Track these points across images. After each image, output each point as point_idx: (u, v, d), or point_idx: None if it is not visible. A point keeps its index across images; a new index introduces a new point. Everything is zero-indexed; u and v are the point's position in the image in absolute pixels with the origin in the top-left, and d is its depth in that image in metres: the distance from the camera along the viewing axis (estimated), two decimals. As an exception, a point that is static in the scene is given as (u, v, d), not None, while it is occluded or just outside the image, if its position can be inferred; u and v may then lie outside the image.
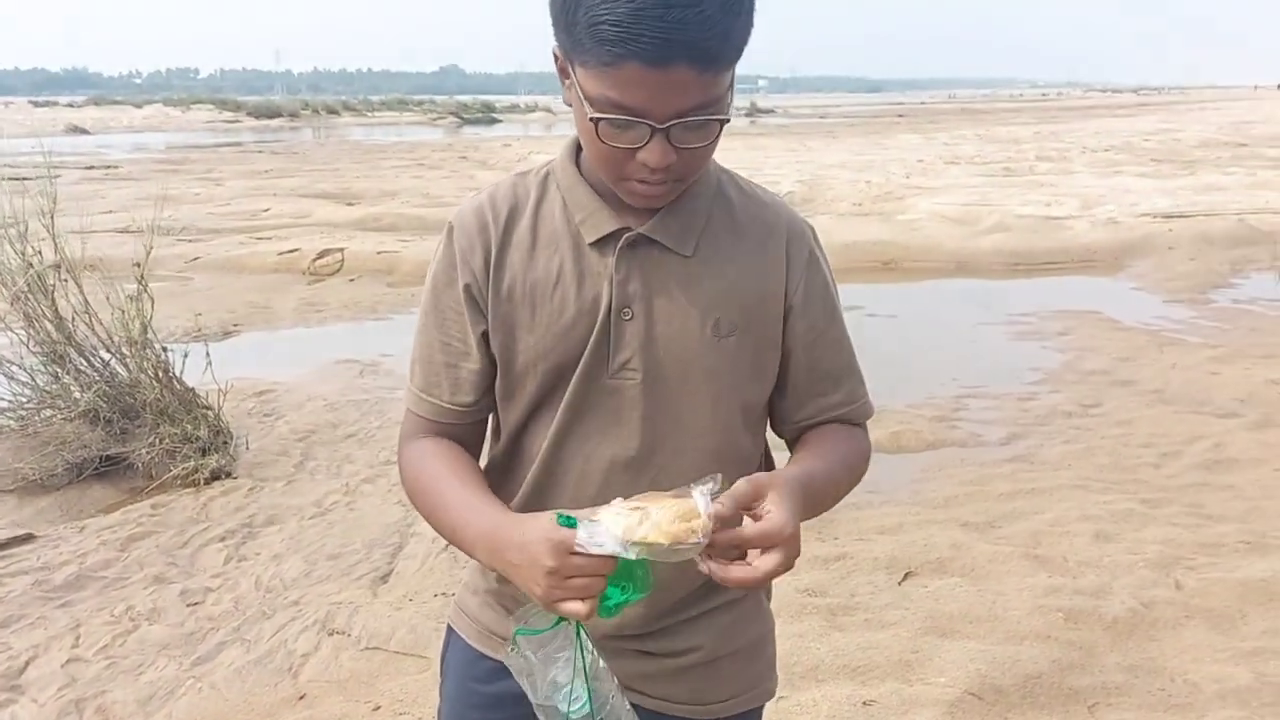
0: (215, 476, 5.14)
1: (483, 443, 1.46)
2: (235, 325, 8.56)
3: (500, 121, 55.30)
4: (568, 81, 1.21)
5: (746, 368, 1.37)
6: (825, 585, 3.90)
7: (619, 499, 1.13)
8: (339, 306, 9.31)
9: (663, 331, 1.30)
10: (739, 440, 1.41)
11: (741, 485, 1.13)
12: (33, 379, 5.31)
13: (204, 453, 5.22)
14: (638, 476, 1.34)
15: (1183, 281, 10.14)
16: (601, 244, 1.29)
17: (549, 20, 1.18)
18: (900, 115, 54.63)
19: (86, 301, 5.34)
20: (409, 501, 1.40)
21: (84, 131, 43.16)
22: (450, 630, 1.53)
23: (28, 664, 3.45)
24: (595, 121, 1.15)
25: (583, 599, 1.09)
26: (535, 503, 1.37)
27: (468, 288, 1.32)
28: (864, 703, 3.08)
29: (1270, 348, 7.61)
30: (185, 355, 5.37)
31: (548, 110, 69.40)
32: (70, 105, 76.85)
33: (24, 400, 5.35)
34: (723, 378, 1.35)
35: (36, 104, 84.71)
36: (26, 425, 5.25)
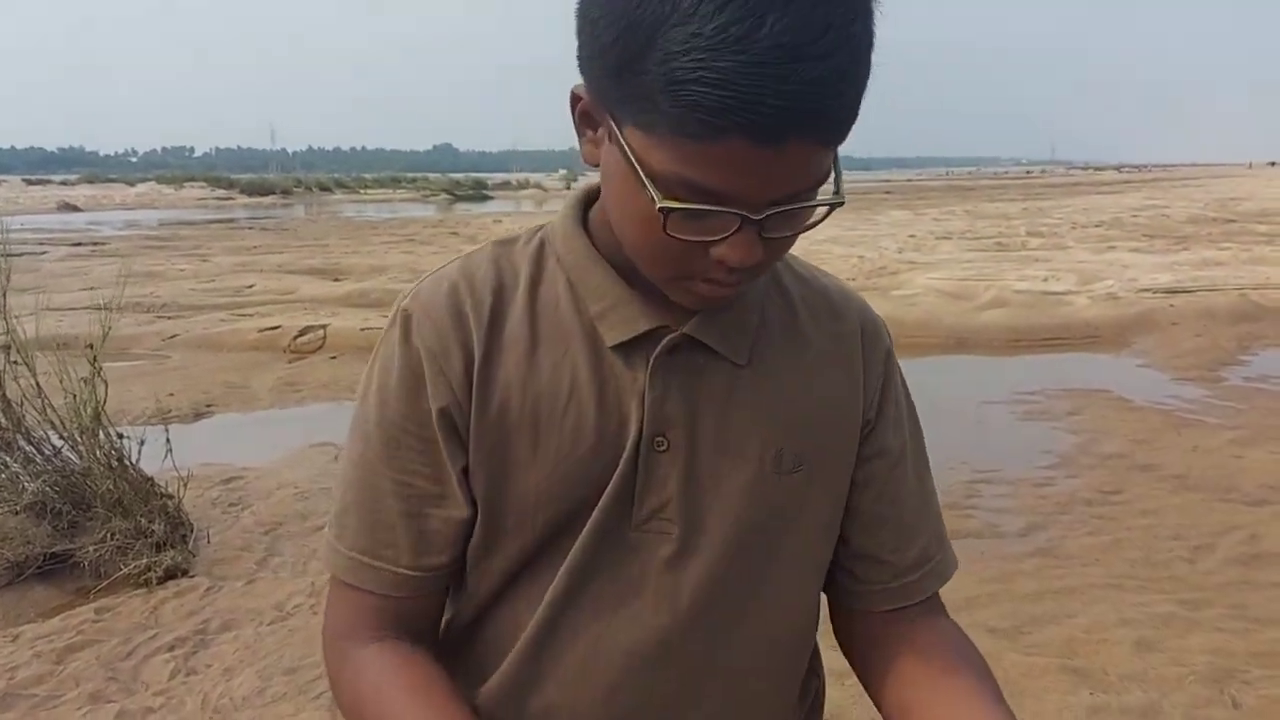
0: (170, 575, 4.70)
1: (439, 627, 1.07)
2: (209, 406, 8.16)
3: (492, 198, 55.50)
4: (596, 135, 0.87)
5: (816, 515, 1.02)
6: (843, 708, 3.49)
7: None
8: (318, 386, 8.92)
9: (709, 468, 0.95)
10: (806, 619, 1.06)
11: None
12: (-23, 469, 4.91)
13: (159, 548, 4.79)
14: (665, 671, 0.98)
15: (1191, 359, 9.83)
16: (629, 347, 0.94)
17: (573, 53, 0.83)
18: (888, 192, 54.92)
19: (38, 385, 4.96)
20: None
21: (76, 209, 43.22)
22: None
23: (-68, 805, 3.01)
24: (665, 211, 0.79)
25: None
26: (514, 704, 0.99)
27: (444, 410, 0.93)
28: None
29: (1293, 429, 7.28)
30: (141, 443, 4.97)
31: (539, 187, 69.80)
32: (64, 183, 77.17)
33: (-35, 492, 4.94)
34: (787, 529, 1.00)
35: (30, 182, 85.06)
36: (-33, 520, 4.83)
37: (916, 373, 8.23)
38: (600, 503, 0.94)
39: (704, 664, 0.99)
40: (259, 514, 5.64)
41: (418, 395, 0.93)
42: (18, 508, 4.75)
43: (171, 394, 8.21)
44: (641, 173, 0.79)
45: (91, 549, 4.64)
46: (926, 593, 1.11)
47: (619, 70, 0.77)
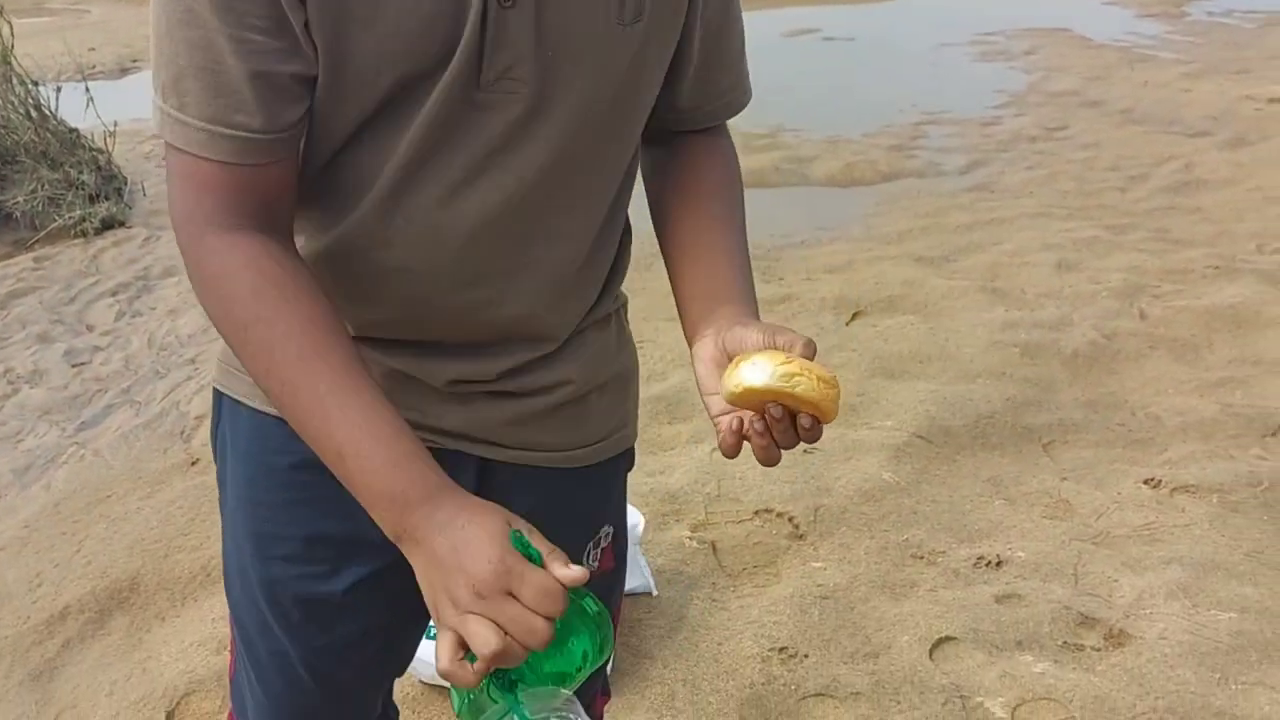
0: (107, 226, 4.68)
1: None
2: (134, 60, 7.80)
3: None
4: None
5: (651, 73, 1.00)
6: (768, 326, 3.62)
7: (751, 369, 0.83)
8: (250, 39, 8.52)
9: (558, 22, 0.90)
10: (627, 180, 1.07)
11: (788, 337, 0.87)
12: (-110, 122, 4.74)
13: (93, 200, 4.74)
14: (508, 233, 0.98)
15: (1157, -5, 9.53)
16: None
17: None
18: None
19: (-60, 32, 4.70)
20: (217, 328, 0.92)
21: None
22: (224, 398, 1.12)
23: (-109, 435, 3.14)
24: None
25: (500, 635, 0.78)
26: (362, 258, 0.98)
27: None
28: (804, 450, 2.85)
29: (1245, 63, 7.18)
30: (58, 89, 4.78)
31: None
32: None
33: (-117, 146, 4.80)
34: (626, 88, 0.97)
35: None
36: (-112, 174, 4.72)
37: (876, 16, 7.97)
38: (450, 65, 0.88)
39: (538, 227, 0.99)
40: (194, 166, 5.54)
41: None
42: (-60, 161, 4.64)
43: (93, 49, 7.83)
44: None
45: (23, 200, 4.57)
46: (718, 119, 1.13)
47: None
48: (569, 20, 0.90)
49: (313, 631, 1.10)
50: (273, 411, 1.02)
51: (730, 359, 0.88)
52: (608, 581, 1.22)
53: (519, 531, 0.83)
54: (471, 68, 0.89)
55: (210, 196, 0.89)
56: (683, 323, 1.02)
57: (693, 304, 1.01)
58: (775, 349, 0.86)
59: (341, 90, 0.91)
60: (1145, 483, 2.71)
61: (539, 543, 0.83)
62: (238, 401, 1.09)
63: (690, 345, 0.98)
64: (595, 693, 1.36)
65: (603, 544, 1.19)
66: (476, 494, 0.89)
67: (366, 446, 0.86)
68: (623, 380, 1.17)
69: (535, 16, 0.88)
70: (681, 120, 1.10)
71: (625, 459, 1.20)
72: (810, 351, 0.86)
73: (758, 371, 0.82)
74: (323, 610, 1.09)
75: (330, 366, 0.87)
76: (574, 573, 0.81)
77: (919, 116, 6.32)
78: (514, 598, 0.79)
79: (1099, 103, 6.40)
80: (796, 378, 0.81)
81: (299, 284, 0.90)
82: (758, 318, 0.96)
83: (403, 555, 0.87)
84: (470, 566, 0.80)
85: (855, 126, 6.08)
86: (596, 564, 1.18)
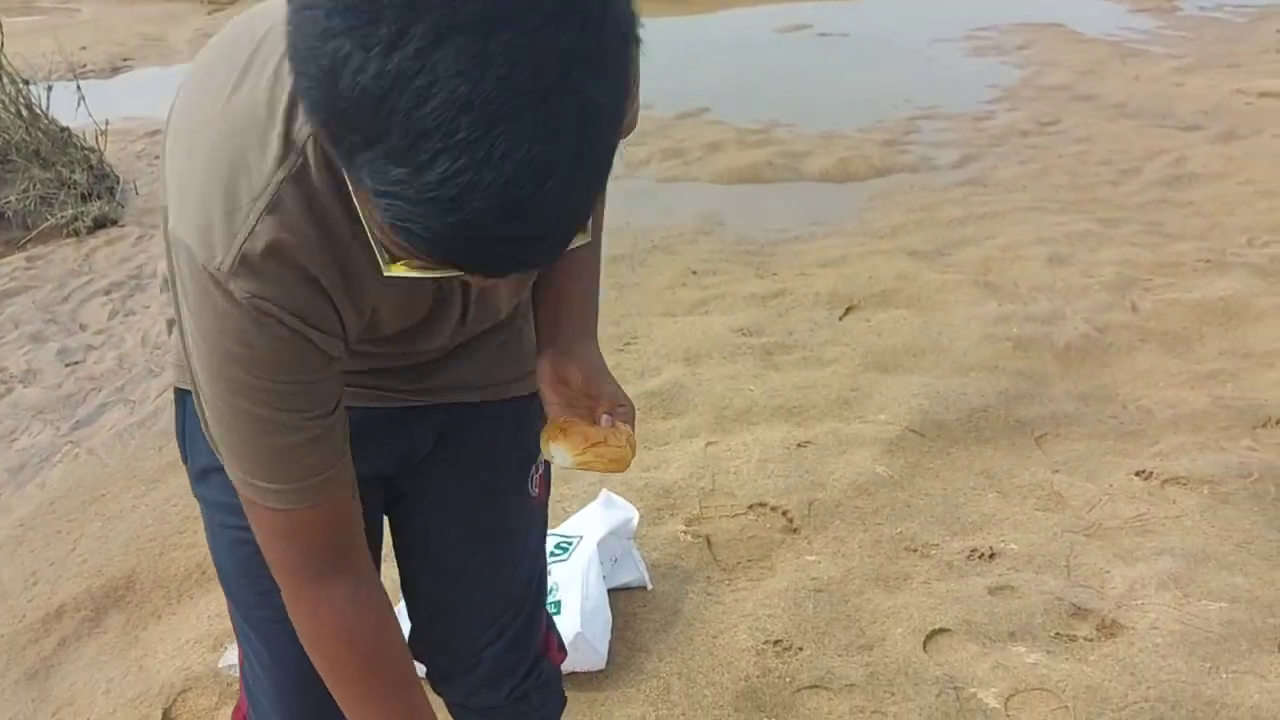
0: (100, 225, 4.68)
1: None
2: (125, 60, 7.78)
3: None
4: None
5: None
6: (761, 324, 3.63)
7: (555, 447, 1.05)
8: (242, 37, 8.50)
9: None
10: None
11: (604, 388, 1.08)
12: (-118, 122, 4.73)
13: (85, 199, 4.73)
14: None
15: (1150, -11, 9.53)
16: None
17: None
18: None
19: (-70, 31, 4.68)
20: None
21: None
22: (185, 394, 1.17)
23: (-115, 435, 3.13)
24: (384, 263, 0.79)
25: None
26: None
27: (335, 353, 0.97)
28: (799, 444, 2.86)
29: (1236, 57, 7.19)
30: (49, 88, 4.77)
31: None
32: None
33: (-125, 146, 4.78)
34: None
35: None
36: (-120, 174, 4.71)
37: (868, 12, 7.97)
38: (439, 324, 1.09)
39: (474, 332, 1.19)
40: (187, 165, 5.53)
41: (304, 356, 0.93)
42: (-69, 160, 4.62)
43: (84, 48, 7.81)
44: (369, 231, 0.77)
45: (14, 199, 4.56)
46: None
47: (334, 139, 0.69)
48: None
49: None
50: None
51: (560, 379, 1.08)
52: (542, 507, 1.41)
53: None
54: (461, 317, 1.10)
55: (304, 542, 1.02)
56: (537, 334, 1.17)
57: (545, 328, 1.15)
58: (583, 415, 1.06)
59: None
60: (1137, 475, 2.72)
61: None
62: None
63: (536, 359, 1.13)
64: (545, 631, 1.47)
65: (540, 470, 1.36)
66: (444, 435, 1.25)
67: None
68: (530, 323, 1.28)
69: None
70: None
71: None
72: (626, 415, 1.06)
73: (559, 456, 1.04)
74: None
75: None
76: None
77: (912, 111, 6.32)
78: None
79: (1091, 97, 6.41)
80: (590, 463, 1.02)
81: (379, 646, 1.08)
82: (592, 340, 1.13)
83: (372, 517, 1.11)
84: None
85: (849, 122, 6.09)
86: (537, 490, 1.37)
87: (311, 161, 0.86)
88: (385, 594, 1.09)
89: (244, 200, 0.85)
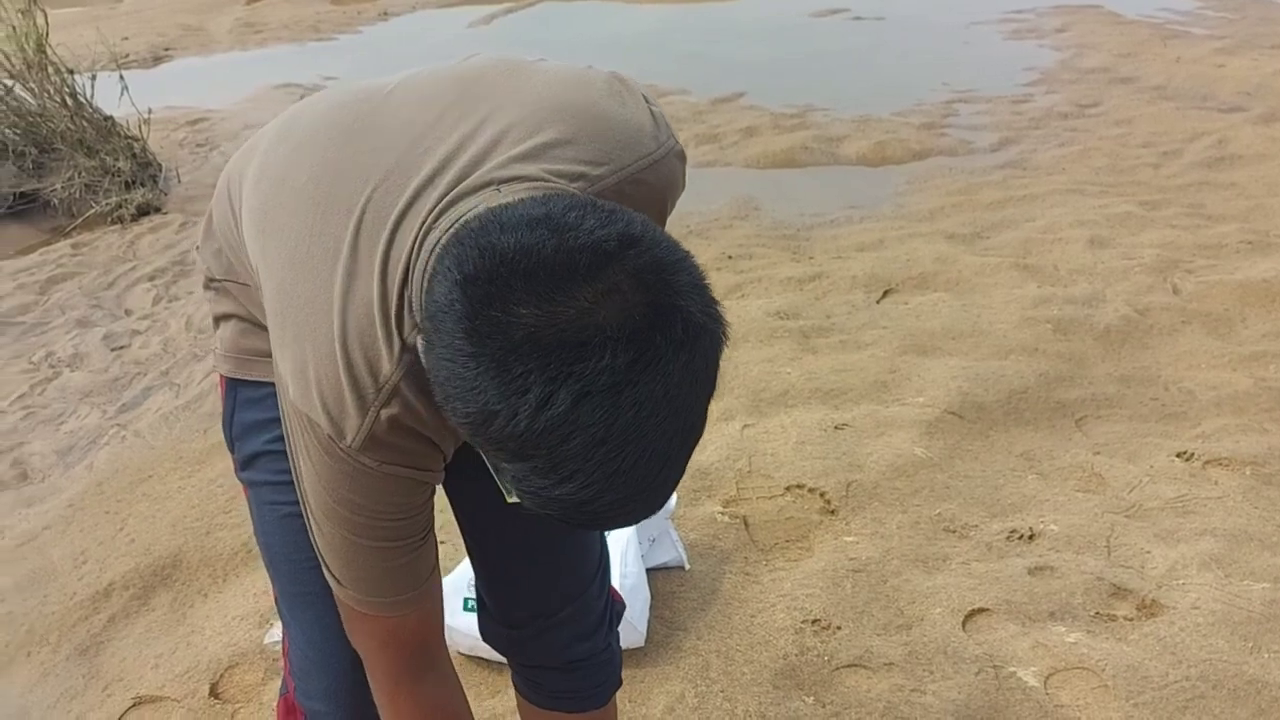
0: (143, 212, 4.75)
1: None
2: (167, 50, 7.88)
3: None
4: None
5: None
6: (799, 307, 3.63)
7: None
8: (279, 27, 8.58)
9: None
10: None
11: None
12: (-69, 111, 4.82)
13: (129, 187, 4.80)
14: None
15: (1192, -31, 9.39)
16: None
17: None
18: None
19: (-23, 22, 4.76)
20: None
21: None
22: (240, 385, 1.23)
23: (-61, 417, 3.20)
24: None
25: None
26: None
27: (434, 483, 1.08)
28: (836, 426, 2.86)
29: (1279, 37, 7.08)
30: (93, 78, 4.84)
31: None
32: None
33: (-76, 135, 4.88)
34: None
35: None
36: (-70, 162, 4.80)
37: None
38: None
39: None
40: (227, 153, 5.59)
41: (414, 495, 1.04)
42: (-21, 149, 4.71)
43: (126, 38, 7.91)
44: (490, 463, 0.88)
45: (60, 187, 4.65)
46: None
47: (481, 448, 0.84)
48: None
49: None
50: None
51: None
52: None
53: None
54: None
55: (391, 645, 1.12)
56: None
57: None
58: None
59: None
60: (1178, 456, 2.70)
61: None
62: (258, 383, 1.19)
63: None
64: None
65: None
66: None
67: None
68: None
69: None
70: None
71: None
72: None
73: None
74: None
75: None
76: None
77: (950, 95, 6.27)
78: None
79: (1131, 79, 6.33)
80: None
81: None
82: None
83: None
84: None
85: (885, 105, 6.05)
86: None
87: (421, 355, 0.93)
88: (464, 695, 1.21)
89: (369, 394, 0.96)
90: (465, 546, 1.42)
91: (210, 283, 1.23)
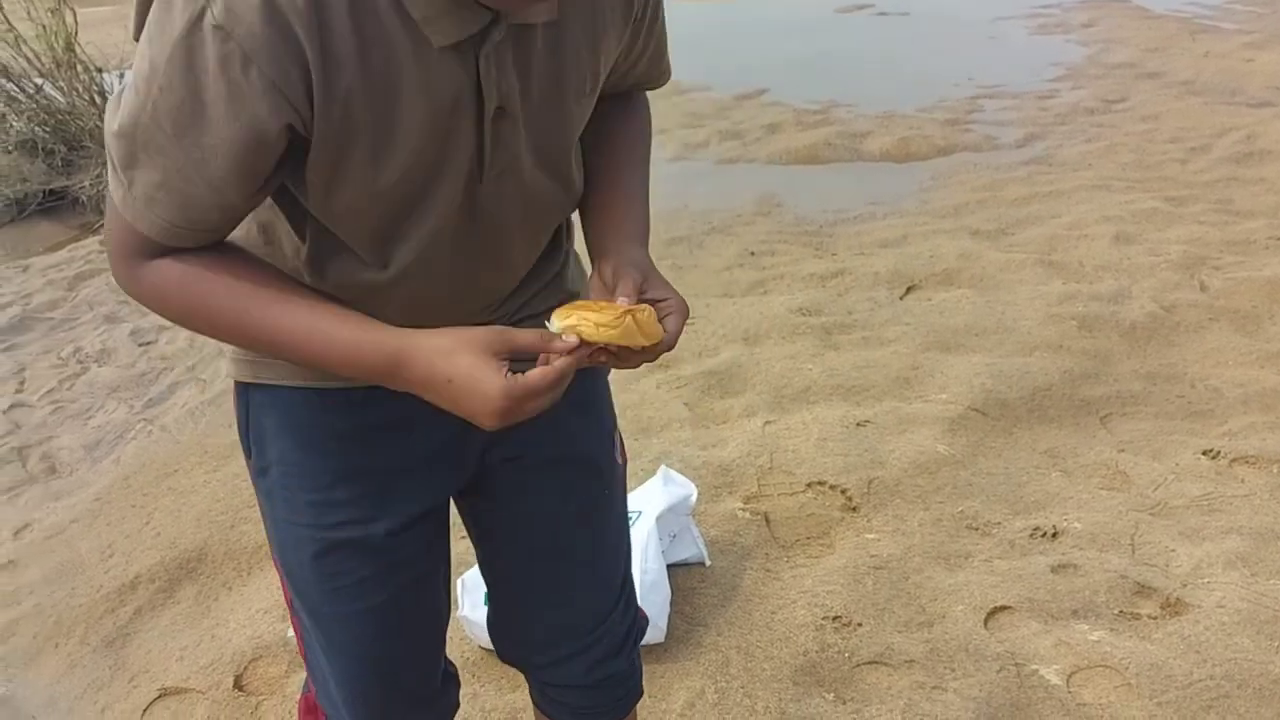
0: (170, 209, 4.79)
1: None
2: (193, 49, 7.93)
3: None
4: None
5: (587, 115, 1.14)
6: (821, 303, 3.62)
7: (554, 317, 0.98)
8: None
9: (540, 119, 1.04)
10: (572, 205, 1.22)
11: (630, 279, 1.04)
12: (-38, 109, 4.89)
13: (156, 185, 4.84)
14: (491, 258, 1.13)
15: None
16: (456, 44, 0.94)
17: None
18: None
19: (7, 19, 4.82)
20: (170, 319, 1.04)
21: None
22: (252, 389, 1.18)
23: (-31, 412, 3.25)
24: None
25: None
26: (359, 297, 1.05)
27: (285, 128, 0.90)
28: (858, 423, 2.86)
29: (1312, 32, 7.00)
30: (121, 76, 4.88)
31: None
32: None
33: (-44, 133, 4.95)
34: (579, 127, 1.13)
35: None
36: (-39, 160, 4.87)
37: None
38: (450, 177, 1.00)
39: (510, 242, 1.13)
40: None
41: (247, 116, 0.88)
42: (9, 146, 4.77)
43: (154, 37, 7.96)
44: None
45: (89, 184, 4.69)
46: (638, 90, 1.27)
47: None
48: (547, 115, 1.04)
49: (368, 583, 1.18)
50: (311, 384, 1.12)
51: (610, 288, 1.06)
52: (623, 473, 1.39)
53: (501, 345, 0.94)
54: (474, 171, 1.02)
55: (153, 250, 0.98)
56: (588, 247, 1.16)
57: (590, 233, 1.16)
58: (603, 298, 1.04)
59: (343, 198, 0.99)
60: (1204, 454, 2.68)
61: (523, 340, 0.95)
62: (274, 385, 1.16)
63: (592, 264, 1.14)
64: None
65: (617, 439, 1.36)
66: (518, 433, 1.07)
67: (340, 335, 0.97)
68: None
69: (525, 120, 1.01)
70: (607, 92, 1.19)
71: None
72: (669, 309, 1.04)
73: (550, 325, 0.97)
74: (372, 558, 1.18)
75: (292, 303, 0.98)
76: (565, 344, 0.94)
77: (974, 90, 6.24)
78: (532, 399, 0.93)
79: (1159, 74, 6.28)
80: (574, 326, 0.96)
81: (243, 262, 1.01)
82: (636, 241, 1.13)
83: (438, 503, 1.11)
84: (481, 410, 0.93)
85: (909, 101, 6.02)
86: (621, 458, 1.36)
87: None
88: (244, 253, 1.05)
89: None
90: (485, 581, 1.40)
91: None
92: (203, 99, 0.87)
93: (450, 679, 1.39)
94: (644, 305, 1.01)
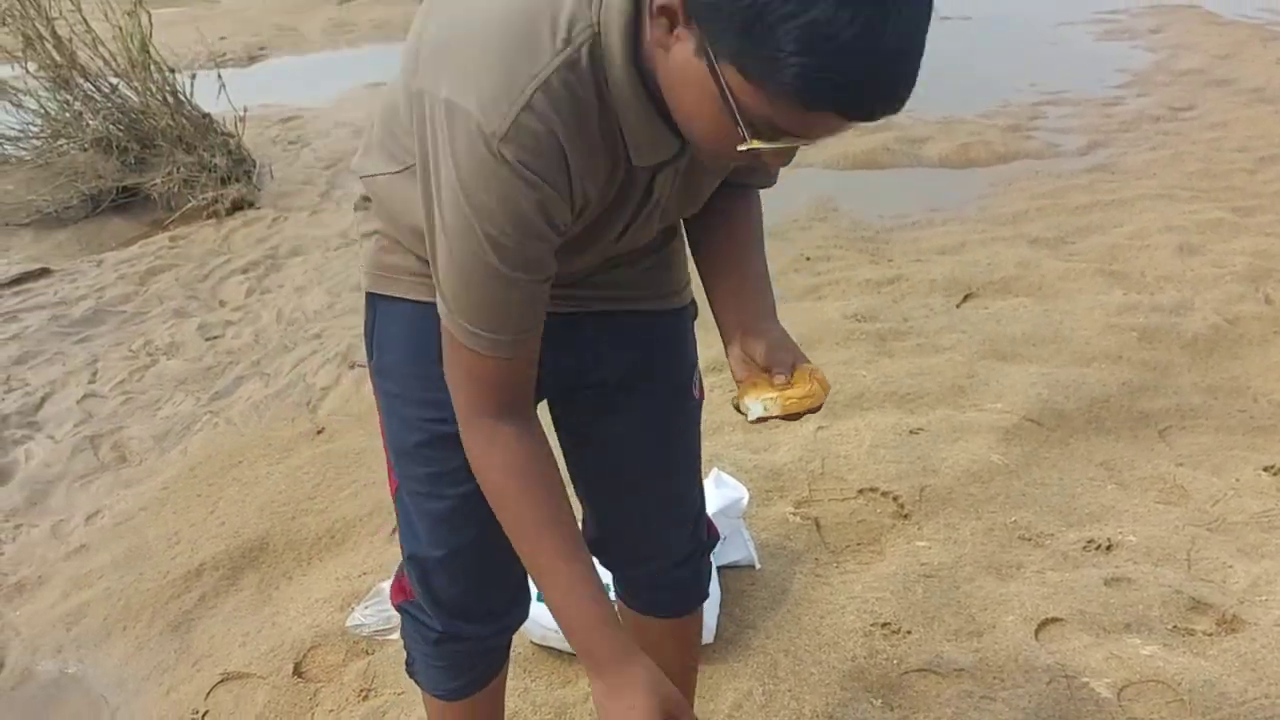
0: (237, 207, 4.91)
1: None
2: (261, 49, 8.11)
3: None
4: (673, 35, 0.96)
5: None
6: (876, 310, 3.62)
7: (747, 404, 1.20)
8: (370, 27, 8.77)
9: (678, 207, 1.28)
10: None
11: (789, 350, 1.24)
12: (41, 106, 5.03)
13: (224, 182, 4.97)
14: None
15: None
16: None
17: None
18: None
19: (85, 20, 4.96)
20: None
21: None
22: (380, 299, 1.35)
23: (44, 400, 3.35)
24: (745, 139, 0.96)
25: None
26: None
27: (566, 223, 1.11)
28: (911, 431, 2.85)
29: (1391, 39, 6.84)
30: (193, 77, 5.02)
31: None
32: None
33: (34, 129, 5.10)
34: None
35: None
36: (39, 155, 5.02)
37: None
38: (601, 242, 1.22)
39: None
40: (318, 151, 5.75)
41: (542, 219, 1.07)
42: (85, 144, 4.91)
43: (223, 38, 8.16)
44: (735, 110, 0.93)
45: (160, 182, 4.82)
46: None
47: (747, 27, 0.87)
48: (686, 204, 1.28)
49: (461, 471, 1.27)
50: (427, 299, 1.24)
51: (748, 357, 1.25)
52: (699, 408, 1.55)
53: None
54: (621, 230, 1.23)
55: (485, 386, 1.18)
56: (718, 325, 1.33)
57: (724, 313, 1.33)
58: (766, 376, 1.21)
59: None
60: (1265, 470, 2.64)
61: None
62: (396, 299, 1.32)
63: (725, 344, 1.31)
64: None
65: (697, 377, 1.52)
66: (603, 338, 1.37)
67: (584, 620, 1.17)
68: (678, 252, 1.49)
69: (665, 208, 1.23)
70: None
71: (693, 306, 1.51)
72: (800, 363, 1.21)
73: (755, 408, 1.19)
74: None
75: (569, 566, 1.18)
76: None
77: (1037, 96, 6.18)
78: None
79: (1228, 81, 6.17)
80: (788, 407, 1.17)
81: (547, 484, 1.20)
82: (773, 318, 1.30)
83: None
84: None
85: (970, 107, 5.98)
86: (699, 393, 1.51)
87: (583, 60, 1.01)
88: (548, 443, 1.23)
89: (523, 79, 1.00)
90: (576, 493, 1.52)
91: (362, 202, 1.35)
92: (510, 210, 1.07)
93: (524, 590, 1.51)
94: (812, 365, 1.21)
